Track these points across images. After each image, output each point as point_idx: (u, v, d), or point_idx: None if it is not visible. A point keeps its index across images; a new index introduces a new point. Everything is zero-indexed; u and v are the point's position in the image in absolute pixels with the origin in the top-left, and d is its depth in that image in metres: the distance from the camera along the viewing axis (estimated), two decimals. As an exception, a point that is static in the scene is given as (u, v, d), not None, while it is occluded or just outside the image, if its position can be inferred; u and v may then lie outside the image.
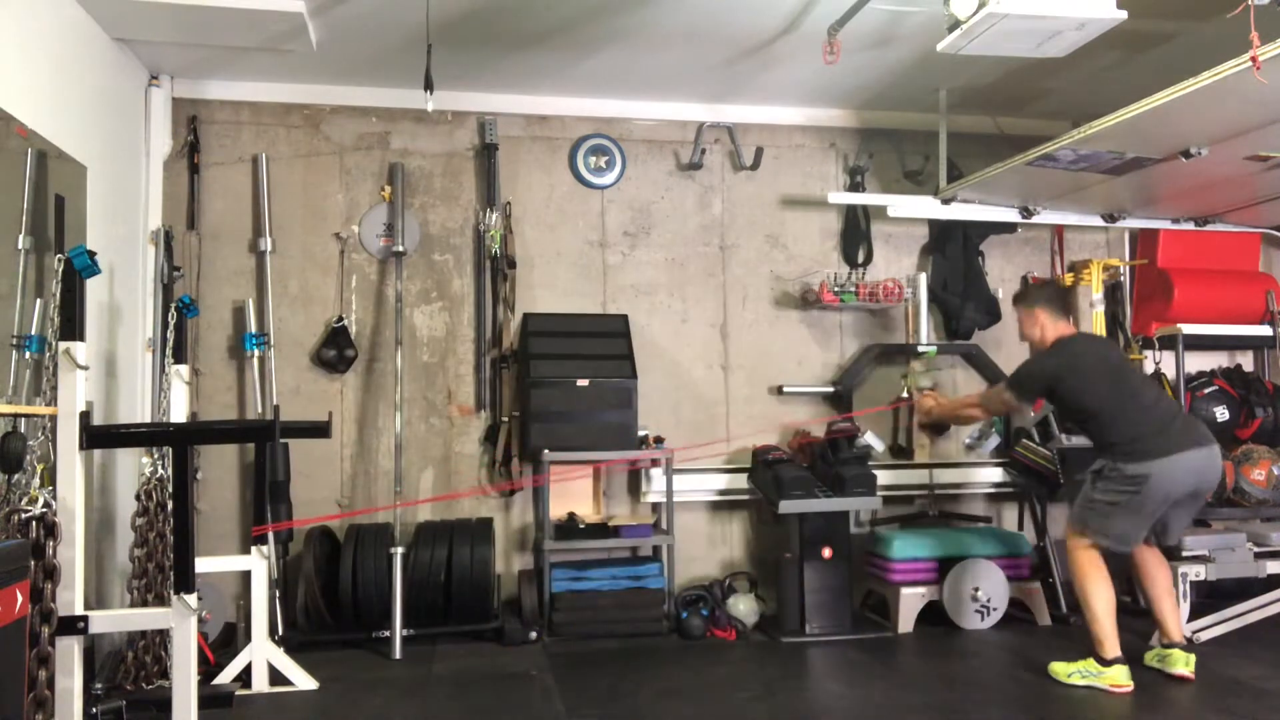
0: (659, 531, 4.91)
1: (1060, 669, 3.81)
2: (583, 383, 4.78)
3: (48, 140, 3.51)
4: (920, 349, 5.34)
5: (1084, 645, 3.84)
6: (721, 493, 5.20)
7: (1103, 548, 3.84)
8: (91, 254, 2.92)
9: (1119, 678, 3.69)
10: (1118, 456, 3.78)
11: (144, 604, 3.64)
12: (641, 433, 4.88)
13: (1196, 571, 4.29)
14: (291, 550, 4.64)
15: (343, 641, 4.46)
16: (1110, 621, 3.79)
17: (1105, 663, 3.73)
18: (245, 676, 3.85)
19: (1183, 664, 3.82)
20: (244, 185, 4.98)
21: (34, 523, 2.69)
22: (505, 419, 5.02)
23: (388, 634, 4.33)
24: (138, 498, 3.76)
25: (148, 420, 4.30)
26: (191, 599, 2.89)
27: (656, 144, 5.38)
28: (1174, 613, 4.03)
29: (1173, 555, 4.38)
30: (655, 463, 4.97)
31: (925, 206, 5.23)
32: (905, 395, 5.40)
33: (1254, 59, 3.07)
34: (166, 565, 3.69)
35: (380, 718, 3.55)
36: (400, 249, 4.91)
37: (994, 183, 4.85)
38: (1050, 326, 4.04)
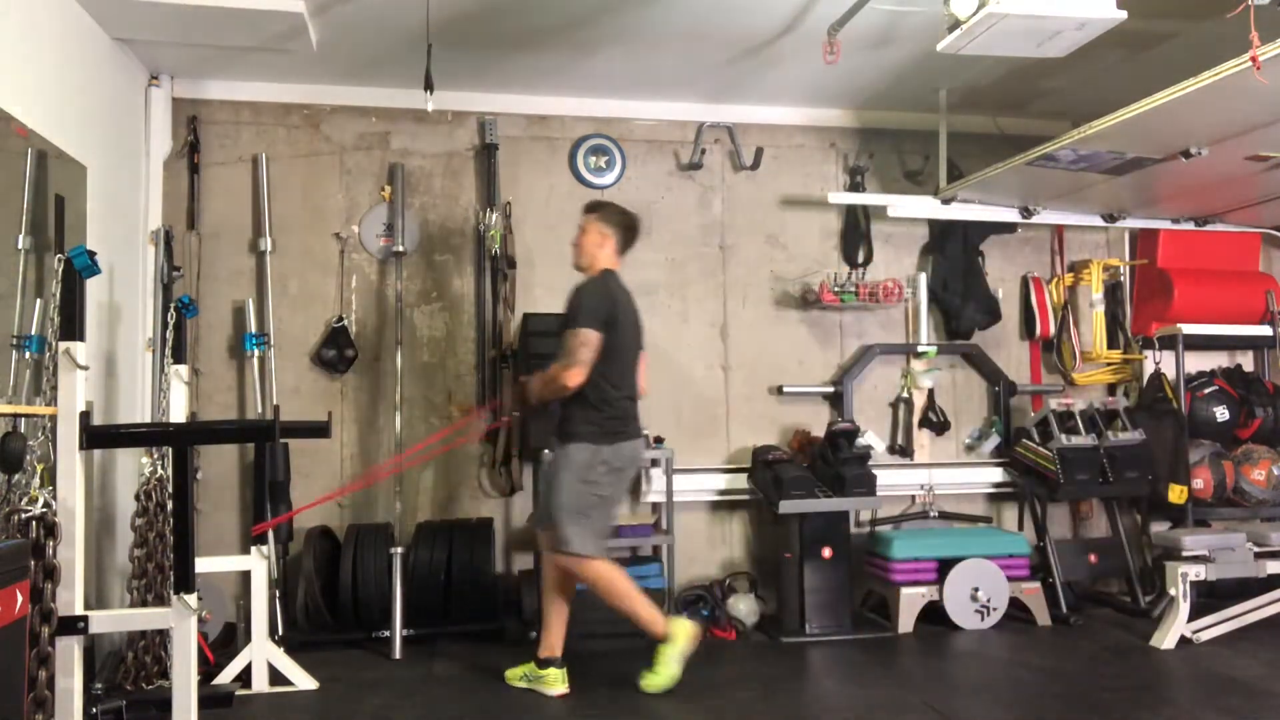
0: (659, 531, 4.90)
1: (511, 674, 3.82)
2: (583, 383, 4.77)
3: (48, 140, 3.51)
4: (920, 349, 5.35)
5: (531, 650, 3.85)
6: (721, 493, 5.20)
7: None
8: (91, 254, 2.93)
9: (559, 681, 3.71)
10: (601, 435, 3.69)
11: (144, 604, 3.64)
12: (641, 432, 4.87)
13: (1196, 571, 4.28)
14: (291, 550, 4.64)
15: (343, 641, 4.46)
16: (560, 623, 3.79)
17: (543, 664, 3.74)
18: (245, 676, 3.84)
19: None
20: (244, 185, 4.98)
21: (34, 523, 2.69)
22: (505, 419, 5.03)
23: (388, 634, 4.33)
24: (137, 498, 3.76)
25: (148, 420, 4.30)
26: (191, 599, 2.89)
27: (656, 144, 5.38)
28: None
29: (1172, 555, 4.38)
30: (655, 463, 4.97)
31: (925, 206, 5.23)
32: (905, 395, 5.42)
33: (1254, 59, 3.07)
34: (166, 565, 3.69)
35: (380, 718, 3.55)
36: (400, 249, 4.91)
37: (994, 183, 4.85)
38: (609, 255, 3.84)
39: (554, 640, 3.80)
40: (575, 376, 3.67)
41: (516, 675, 3.81)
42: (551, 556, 3.80)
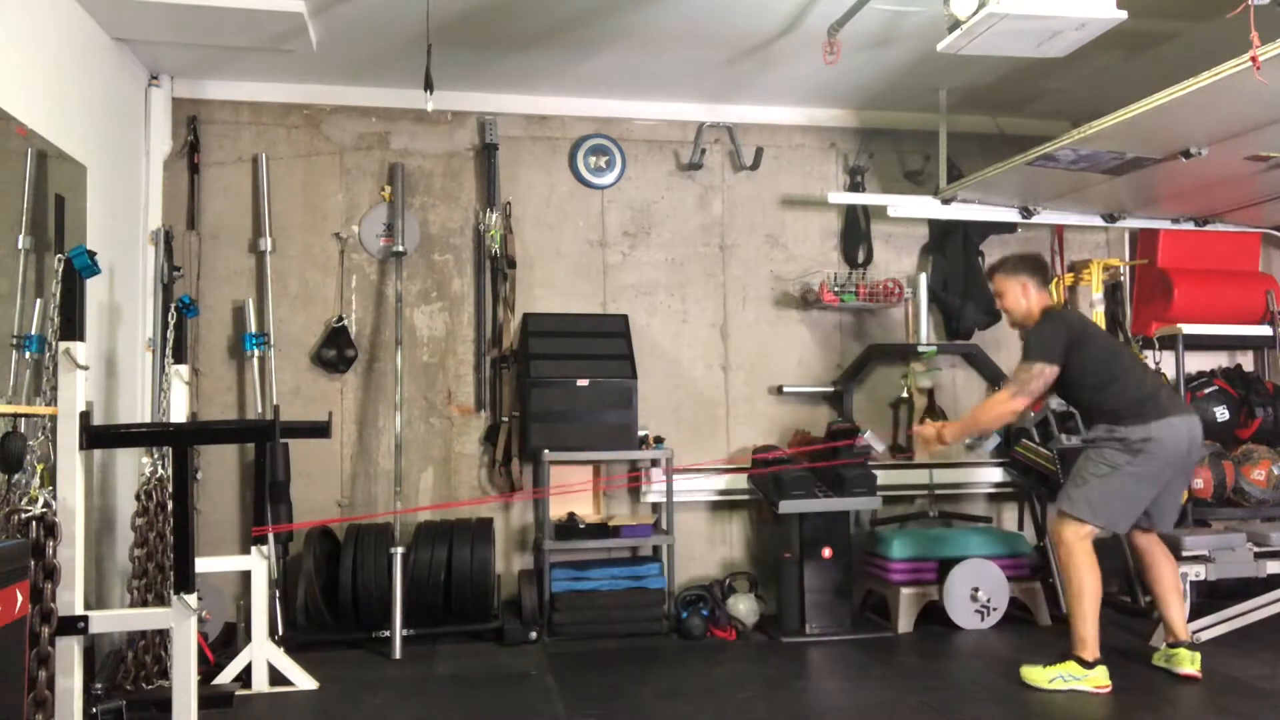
0: (659, 531, 4.90)
1: (1038, 675, 3.71)
2: (583, 383, 4.78)
3: (48, 140, 3.51)
4: (920, 349, 5.34)
5: (1063, 645, 3.78)
6: (721, 493, 5.20)
7: (1095, 535, 3.76)
8: (91, 254, 2.93)
9: (1101, 679, 3.65)
10: (1120, 420, 3.73)
11: (144, 604, 3.64)
12: (641, 433, 4.88)
13: (1196, 571, 4.29)
14: (291, 550, 4.64)
15: (343, 641, 4.47)
16: (1096, 620, 3.73)
17: (1088, 665, 3.67)
18: (245, 676, 3.85)
19: (1189, 663, 3.78)
20: (244, 185, 4.98)
21: (34, 523, 2.69)
22: (505, 419, 5.03)
23: (388, 634, 4.33)
24: (138, 498, 3.76)
25: (148, 420, 4.30)
26: (191, 599, 2.90)
27: (656, 144, 5.38)
28: (1180, 611, 3.94)
29: (1173, 554, 4.38)
30: (655, 463, 4.97)
31: (925, 206, 5.23)
32: (905, 395, 5.41)
33: (1254, 59, 3.07)
34: (166, 565, 3.69)
35: (380, 718, 3.55)
36: (400, 249, 4.91)
37: (994, 183, 4.85)
38: (1037, 297, 4.00)
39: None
40: (1018, 408, 3.92)
41: (1047, 677, 3.69)
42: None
